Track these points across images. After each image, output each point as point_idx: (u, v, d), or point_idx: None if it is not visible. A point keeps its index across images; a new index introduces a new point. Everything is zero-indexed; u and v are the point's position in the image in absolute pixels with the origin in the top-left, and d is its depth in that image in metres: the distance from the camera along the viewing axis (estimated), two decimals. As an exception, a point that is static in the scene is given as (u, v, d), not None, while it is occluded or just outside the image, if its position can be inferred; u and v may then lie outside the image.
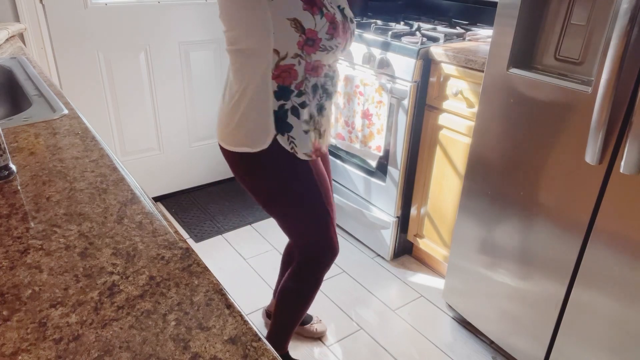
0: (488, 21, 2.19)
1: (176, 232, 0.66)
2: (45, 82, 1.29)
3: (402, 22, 2.20)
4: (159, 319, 0.51)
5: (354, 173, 2.19)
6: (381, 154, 1.97)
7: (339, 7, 1.15)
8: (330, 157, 2.29)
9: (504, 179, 1.49)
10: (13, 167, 0.80)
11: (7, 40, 1.77)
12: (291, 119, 1.16)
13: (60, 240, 0.63)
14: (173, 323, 0.50)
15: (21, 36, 1.97)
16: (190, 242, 2.27)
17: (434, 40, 1.89)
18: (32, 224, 0.66)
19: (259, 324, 1.83)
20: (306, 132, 1.19)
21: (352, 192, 2.24)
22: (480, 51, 1.72)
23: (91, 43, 2.17)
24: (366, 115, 1.97)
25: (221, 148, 1.26)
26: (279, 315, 1.47)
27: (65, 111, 1.08)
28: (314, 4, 1.08)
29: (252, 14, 1.06)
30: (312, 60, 1.12)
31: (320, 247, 1.35)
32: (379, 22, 2.18)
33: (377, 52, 1.93)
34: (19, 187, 0.76)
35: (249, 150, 1.18)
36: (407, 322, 1.86)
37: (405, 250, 2.24)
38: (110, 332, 0.49)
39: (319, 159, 1.28)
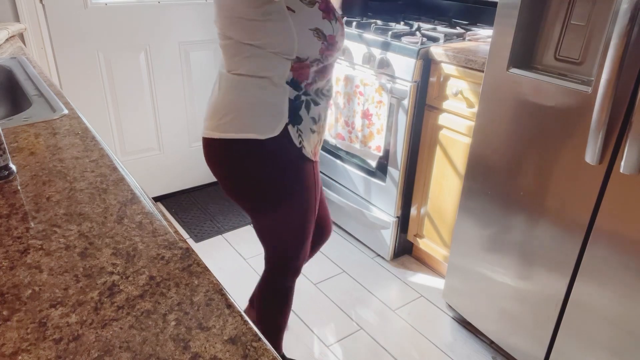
0: (488, 21, 2.19)
1: (176, 232, 0.66)
2: (45, 82, 1.28)
3: (402, 22, 2.20)
4: (159, 319, 0.51)
5: (354, 173, 2.19)
6: (381, 154, 1.97)
7: None
8: (330, 157, 2.29)
9: (504, 179, 1.49)
10: (13, 167, 0.80)
11: (7, 40, 1.77)
12: (303, 112, 1.14)
13: (60, 240, 0.63)
14: (173, 323, 0.50)
15: (21, 36, 1.97)
16: (190, 242, 2.27)
17: (434, 40, 1.89)
18: (32, 224, 0.66)
19: (259, 324, 1.83)
20: (312, 131, 1.18)
21: (352, 192, 2.24)
22: (480, 51, 1.72)
23: (91, 43, 2.17)
24: (366, 115, 1.97)
25: (207, 141, 1.17)
26: (262, 321, 1.42)
27: (65, 111, 1.08)
28: (329, 10, 1.11)
29: (279, 26, 1.06)
30: (327, 62, 1.14)
31: (296, 253, 1.30)
32: (379, 22, 2.18)
33: (377, 52, 1.93)
34: (19, 187, 0.76)
35: (255, 136, 1.11)
36: (407, 322, 1.86)
37: (405, 250, 2.24)
38: (110, 332, 0.49)
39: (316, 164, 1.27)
